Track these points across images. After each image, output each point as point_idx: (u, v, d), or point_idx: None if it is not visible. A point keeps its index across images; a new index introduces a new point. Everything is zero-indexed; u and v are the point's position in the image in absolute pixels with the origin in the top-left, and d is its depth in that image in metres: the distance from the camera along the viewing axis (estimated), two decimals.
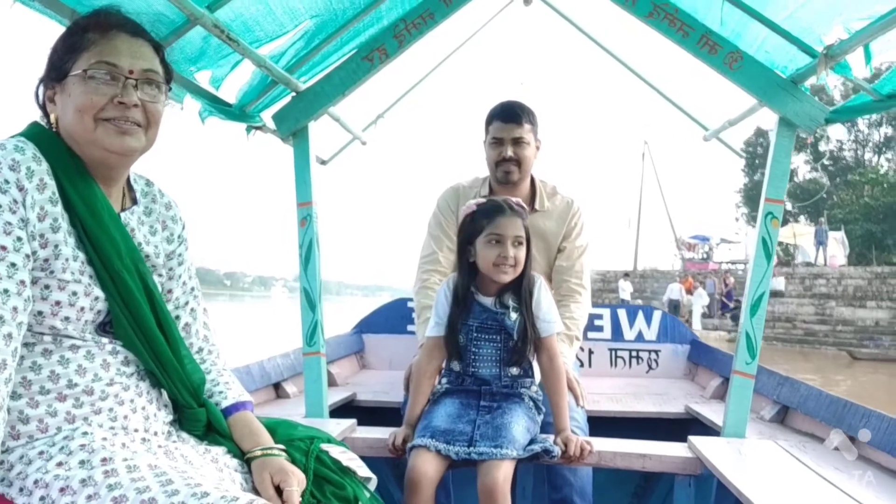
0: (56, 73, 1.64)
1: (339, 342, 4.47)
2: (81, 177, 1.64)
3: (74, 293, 1.58)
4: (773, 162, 2.83)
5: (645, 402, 3.82)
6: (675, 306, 28.64)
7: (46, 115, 1.68)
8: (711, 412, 3.44)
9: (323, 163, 3.91)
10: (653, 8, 2.82)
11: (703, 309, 29.48)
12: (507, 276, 2.59)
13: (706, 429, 3.27)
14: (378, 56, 2.98)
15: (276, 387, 3.71)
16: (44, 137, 1.63)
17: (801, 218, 46.15)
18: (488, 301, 2.65)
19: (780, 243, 39.73)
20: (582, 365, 4.51)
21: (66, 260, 1.57)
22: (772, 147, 2.84)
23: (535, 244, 3.32)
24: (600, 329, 4.64)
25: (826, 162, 38.56)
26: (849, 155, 49.23)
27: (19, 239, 1.49)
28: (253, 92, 2.91)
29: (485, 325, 2.64)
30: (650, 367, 4.64)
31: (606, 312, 4.69)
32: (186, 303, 1.93)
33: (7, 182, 1.49)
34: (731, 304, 30.09)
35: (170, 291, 1.87)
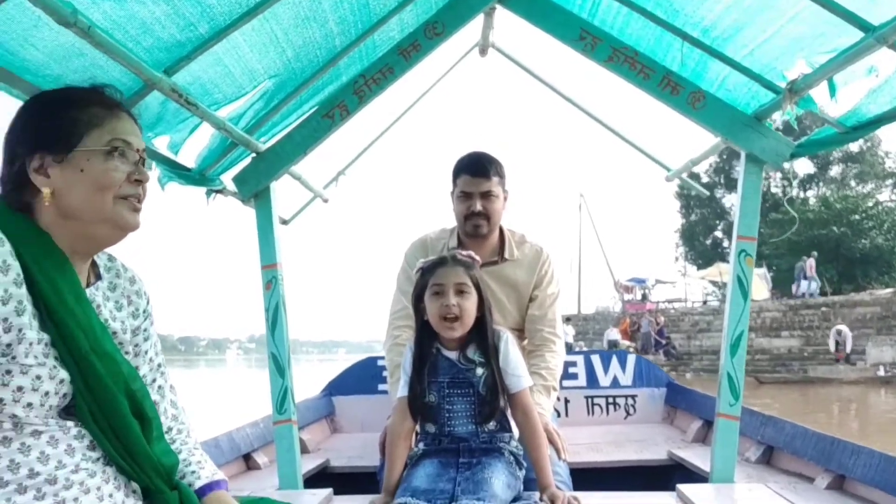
0: (60, 145, 1.57)
1: (308, 406, 4.35)
2: (49, 256, 1.55)
3: (38, 377, 1.47)
4: (742, 199, 2.83)
5: (626, 449, 3.76)
6: (613, 345, 30.74)
7: (18, 188, 1.58)
8: (695, 457, 3.39)
9: (284, 222, 3.83)
10: (612, 52, 2.84)
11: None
12: (455, 332, 2.53)
13: (691, 474, 3.22)
14: (338, 113, 2.96)
15: (247, 458, 3.58)
16: (7, 217, 1.54)
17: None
18: (453, 356, 2.59)
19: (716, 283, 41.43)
20: (559, 415, 4.44)
21: (31, 344, 1.47)
22: (740, 185, 2.85)
23: (506, 294, 3.29)
24: (575, 377, 4.59)
25: None
26: (776, 191, 50.95)
27: None
28: (212, 155, 2.85)
29: (455, 381, 2.58)
30: (628, 413, 4.58)
31: (580, 359, 4.64)
32: (154, 380, 1.84)
33: None
34: (663, 342, 32.45)
35: (136, 369, 1.77)
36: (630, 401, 4.59)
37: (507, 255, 3.36)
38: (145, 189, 1.67)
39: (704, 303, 40.81)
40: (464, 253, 2.66)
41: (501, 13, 3.20)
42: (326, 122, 2.96)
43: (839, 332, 26.50)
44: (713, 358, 29.45)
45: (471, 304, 2.54)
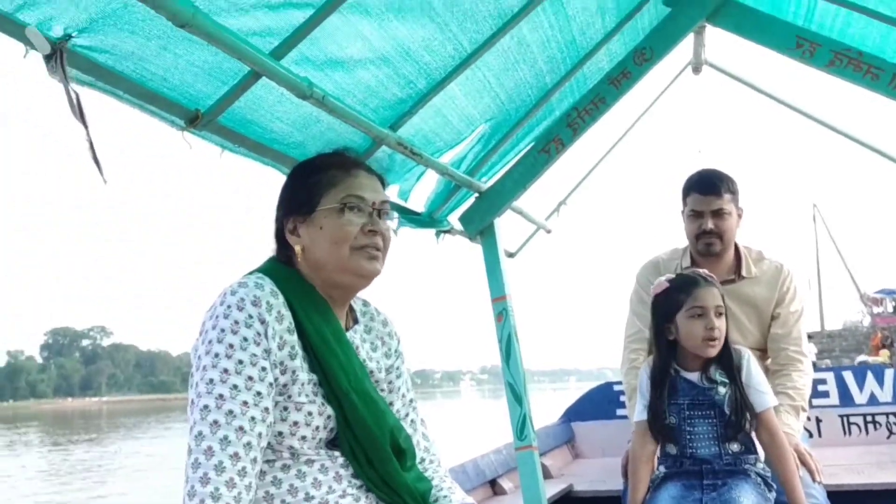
0: (304, 207, 1.78)
1: (548, 433, 4.41)
2: (314, 304, 1.75)
3: (310, 413, 1.67)
4: None
5: (891, 471, 3.51)
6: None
7: (284, 246, 1.81)
8: None
9: (510, 255, 3.93)
10: (833, 56, 2.72)
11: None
12: (714, 350, 2.50)
13: None
14: (554, 147, 3.03)
15: (493, 483, 3.69)
16: (279, 272, 1.77)
17: None
18: (694, 377, 2.55)
19: None
20: (811, 435, 4.21)
21: (302, 384, 1.67)
22: None
23: (745, 312, 3.18)
24: (826, 395, 4.34)
25: None
26: None
27: (263, 369, 1.60)
28: (439, 198, 3.02)
29: (696, 402, 2.54)
30: (891, 432, 4.26)
31: (830, 376, 4.38)
32: (406, 414, 1.99)
33: (251, 317, 1.62)
34: None
35: (390, 404, 1.93)
36: (892, 419, 4.26)
37: (744, 273, 3.24)
38: (386, 238, 1.81)
39: None
40: (701, 271, 2.63)
41: (712, 30, 3.15)
42: (543, 156, 3.05)
43: None
44: None
45: (725, 326, 2.53)
